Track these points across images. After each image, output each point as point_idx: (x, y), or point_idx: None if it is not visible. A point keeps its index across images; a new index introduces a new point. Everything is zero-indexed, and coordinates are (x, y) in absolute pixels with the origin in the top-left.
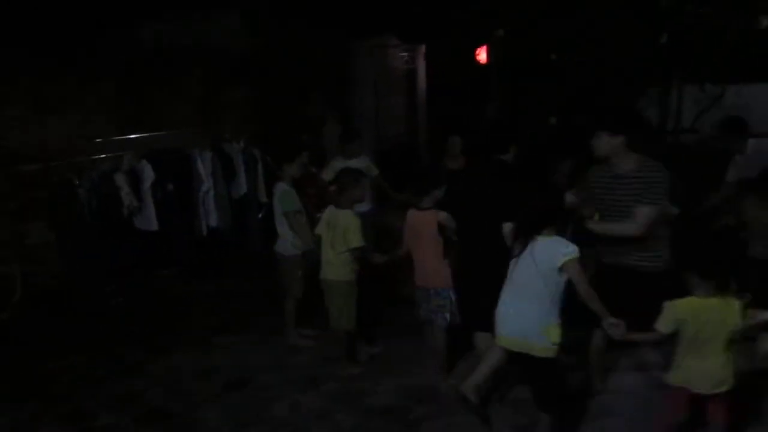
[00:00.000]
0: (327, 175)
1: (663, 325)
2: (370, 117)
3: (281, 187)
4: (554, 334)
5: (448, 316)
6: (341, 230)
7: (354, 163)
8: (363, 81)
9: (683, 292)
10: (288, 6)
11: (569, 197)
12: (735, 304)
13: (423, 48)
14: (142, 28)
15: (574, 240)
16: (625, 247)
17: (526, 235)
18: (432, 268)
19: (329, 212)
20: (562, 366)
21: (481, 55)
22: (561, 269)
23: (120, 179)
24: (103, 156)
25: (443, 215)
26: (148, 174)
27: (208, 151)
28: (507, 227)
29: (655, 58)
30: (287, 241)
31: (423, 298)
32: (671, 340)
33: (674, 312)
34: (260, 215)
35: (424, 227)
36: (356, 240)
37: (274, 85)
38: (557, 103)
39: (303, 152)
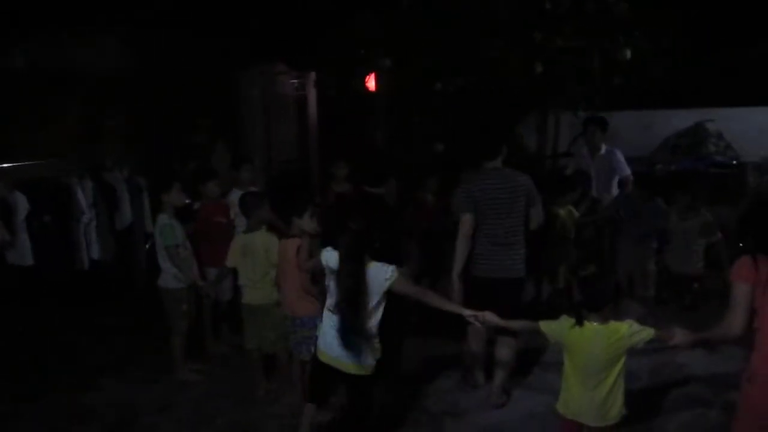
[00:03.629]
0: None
1: (546, 327)
2: (261, 144)
3: (161, 220)
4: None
5: (312, 348)
6: (261, 251)
7: None
8: (253, 108)
9: None
10: (172, 29)
11: None
12: (621, 329)
13: (313, 75)
14: (9, 47)
15: None
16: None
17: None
18: (294, 296)
19: (240, 239)
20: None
21: (370, 82)
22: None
23: None
24: None
25: (297, 243)
26: (22, 205)
27: (89, 181)
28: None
29: (532, 86)
30: (170, 275)
31: (290, 328)
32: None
33: (561, 326)
34: (147, 246)
35: (285, 254)
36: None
37: (159, 112)
38: (443, 130)
39: (178, 181)
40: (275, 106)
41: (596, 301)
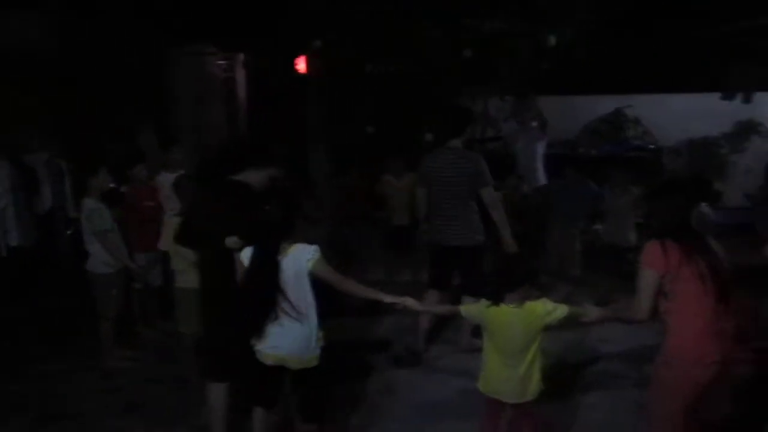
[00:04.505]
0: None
1: (466, 310)
2: (189, 126)
3: (88, 204)
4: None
5: None
6: None
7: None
8: (180, 89)
9: None
10: (97, 7)
11: None
12: (536, 308)
13: (242, 56)
14: None
15: None
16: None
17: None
18: None
19: (173, 223)
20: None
21: (300, 64)
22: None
23: None
24: None
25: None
26: None
27: (5, 162)
28: (230, 241)
29: (461, 71)
30: (98, 259)
31: None
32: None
33: (480, 309)
34: (69, 232)
35: None
36: None
37: (82, 92)
38: (374, 112)
39: (104, 164)
40: (203, 87)
41: (511, 281)
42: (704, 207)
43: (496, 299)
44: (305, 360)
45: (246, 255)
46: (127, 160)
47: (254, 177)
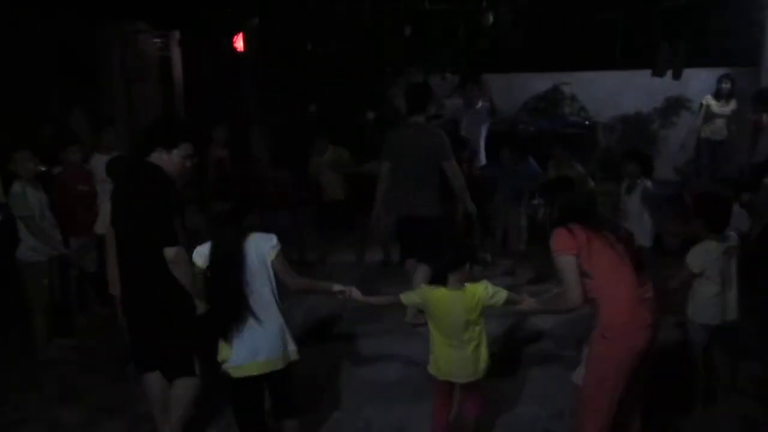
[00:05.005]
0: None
1: (406, 298)
2: (122, 107)
3: (13, 189)
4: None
5: None
6: None
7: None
8: (111, 69)
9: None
10: None
11: None
12: (477, 291)
13: (177, 34)
14: None
15: None
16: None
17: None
18: None
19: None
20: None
21: (238, 42)
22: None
23: None
24: None
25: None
26: None
27: None
28: (170, 252)
29: (401, 49)
30: (28, 247)
31: None
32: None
33: (420, 295)
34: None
35: None
36: None
37: (9, 73)
38: (315, 91)
39: (24, 148)
40: (136, 67)
41: (454, 262)
42: (647, 182)
43: (441, 281)
44: (285, 356)
45: (199, 253)
46: (57, 142)
47: (164, 158)
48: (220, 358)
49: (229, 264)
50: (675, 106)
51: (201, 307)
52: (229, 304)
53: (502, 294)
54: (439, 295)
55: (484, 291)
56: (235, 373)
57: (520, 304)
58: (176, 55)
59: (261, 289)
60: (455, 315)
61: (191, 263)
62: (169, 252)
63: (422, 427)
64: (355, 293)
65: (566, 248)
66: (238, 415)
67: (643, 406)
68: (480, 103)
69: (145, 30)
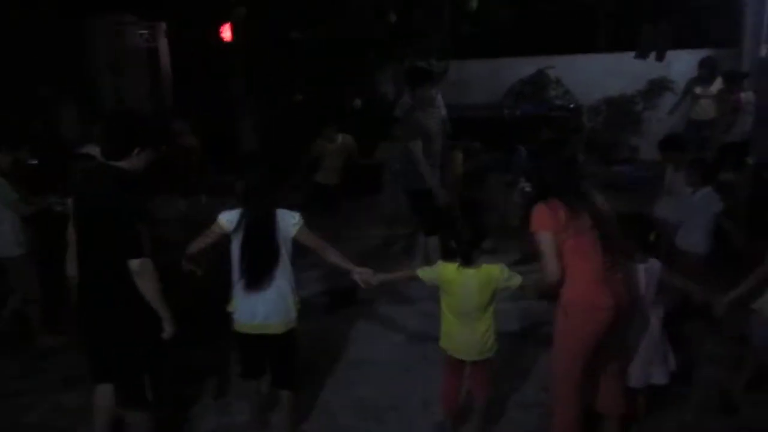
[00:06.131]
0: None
1: (423, 273)
2: (110, 98)
3: None
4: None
5: None
6: None
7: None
8: (99, 60)
9: None
10: None
11: None
12: (493, 272)
13: (164, 25)
14: None
15: None
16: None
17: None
18: None
19: None
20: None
21: (225, 32)
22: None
23: None
24: None
25: None
26: None
27: None
28: (135, 264)
29: (387, 36)
30: (9, 240)
31: None
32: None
33: (437, 272)
34: None
35: None
36: None
37: None
38: (302, 79)
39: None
40: (124, 58)
41: (477, 242)
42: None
43: (468, 261)
44: (286, 323)
45: (227, 218)
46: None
47: (126, 162)
48: (229, 307)
49: (262, 230)
50: (658, 88)
51: (168, 329)
52: (257, 266)
53: (517, 278)
54: (456, 273)
55: (499, 273)
56: (237, 328)
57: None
58: (163, 46)
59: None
60: (469, 294)
61: (157, 275)
62: (134, 264)
63: (414, 406)
64: (370, 276)
65: (544, 226)
66: (241, 364)
67: (620, 381)
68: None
69: (132, 22)
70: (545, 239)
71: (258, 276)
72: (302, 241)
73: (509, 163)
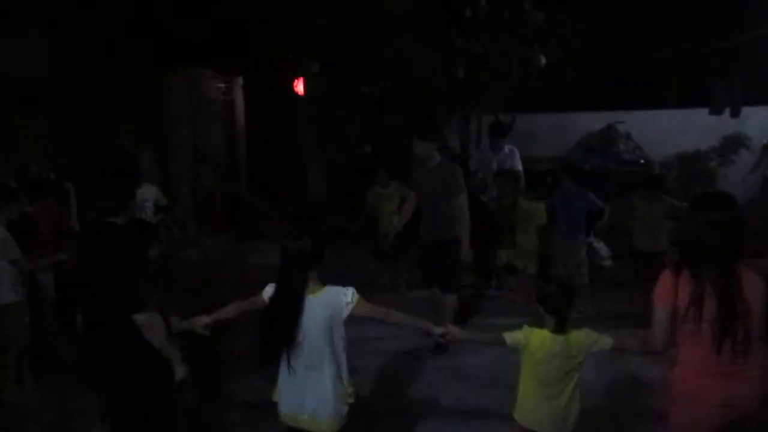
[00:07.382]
0: None
1: (510, 339)
2: (188, 148)
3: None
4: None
5: None
6: None
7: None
8: (179, 112)
9: None
10: (97, 30)
11: None
12: (581, 337)
13: (240, 79)
14: None
15: None
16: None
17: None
18: None
19: None
20: None
21: (299, 86)
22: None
23: None
24: None
25: None
26: None
27: None
28: (141, 318)
29: (455, 90)
30: (6, 288)
31: None
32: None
33: (527, 338)
34: None
35: None
36: None
37: (80, 115)
38: (371, 131)
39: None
40: (202, 110)
41: (568, 306)
42: None
43: (562, 327)
44: (331, 422)
45: (268, 293)
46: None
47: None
48: (273, 397)
49: (287, 303)
50: (733, 144)
51: (180, 372)
52: (278, 341)
53: (606, 340)
54: (545, 338)
55: (586, 338)
56: (283, 419)
57: (625, 347)
58: (239, 98)
59: (317, 343)
60: (556, 361)
61: (165, 325)
62: (140, 318)
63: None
64: (455, 331)
65: (661, 300)
66: None
67: None
68: (506, 148)
69: (211, 76)
70: (657, 312)
71: (271, 355)
72: (361, 315)
73: (576, 208)
